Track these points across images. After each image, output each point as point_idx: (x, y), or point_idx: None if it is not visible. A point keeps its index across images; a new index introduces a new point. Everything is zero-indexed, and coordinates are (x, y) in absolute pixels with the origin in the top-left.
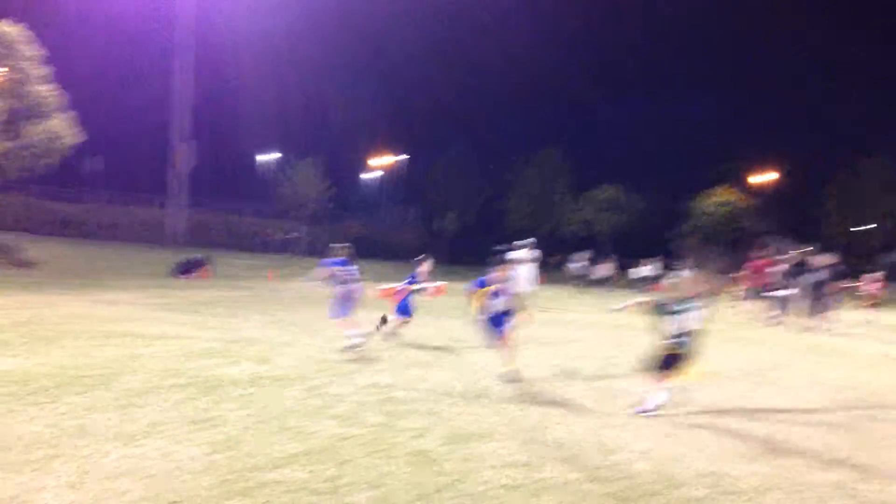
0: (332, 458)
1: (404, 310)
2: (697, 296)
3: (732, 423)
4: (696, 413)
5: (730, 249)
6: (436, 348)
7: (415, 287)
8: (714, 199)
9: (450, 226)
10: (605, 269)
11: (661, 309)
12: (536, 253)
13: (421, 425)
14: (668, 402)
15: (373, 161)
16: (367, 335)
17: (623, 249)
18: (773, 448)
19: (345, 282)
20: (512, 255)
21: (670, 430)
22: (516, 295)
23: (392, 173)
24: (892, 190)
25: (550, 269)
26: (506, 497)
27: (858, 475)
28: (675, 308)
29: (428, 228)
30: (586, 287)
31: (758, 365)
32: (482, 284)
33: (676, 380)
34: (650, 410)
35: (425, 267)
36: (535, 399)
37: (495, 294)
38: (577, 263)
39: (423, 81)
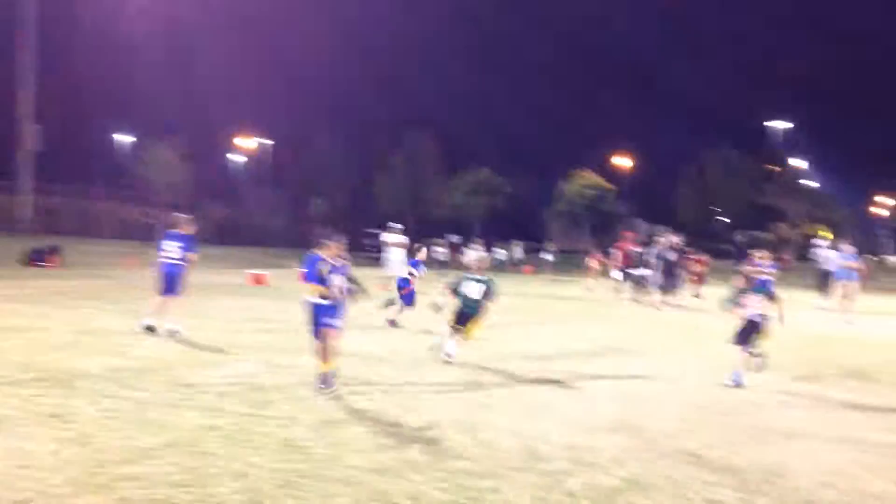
0: (194, 450)
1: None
2: (482, 272)
3: (594, 397)
4: (560, 389)
5: (594, 231)
6: (306, 334)
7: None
8: (580, 182)
9: (318, 210)
10: (444, 252)
11: (459, 279)
12: (405, 237)
13: (288, 413)
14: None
15: (238, 144)
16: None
17: (496, 232)
18: (630, 420)
19: (161, 258)
20: (384, 237)
21: (535, 407)
22: (356, 282)
23: (258, 157)
24: (736, 176)
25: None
26: (373, 480)
27: (706, 443)
28: (467, 278)
29: (297, 213)
30: (447, 271)
31: (616, 340)
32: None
33: (467, 334)
34: (449, 355)
35: (422, 255)
36: (403, 383)
37: (331, 272)
38: (439, 248)
39: (292, 63)
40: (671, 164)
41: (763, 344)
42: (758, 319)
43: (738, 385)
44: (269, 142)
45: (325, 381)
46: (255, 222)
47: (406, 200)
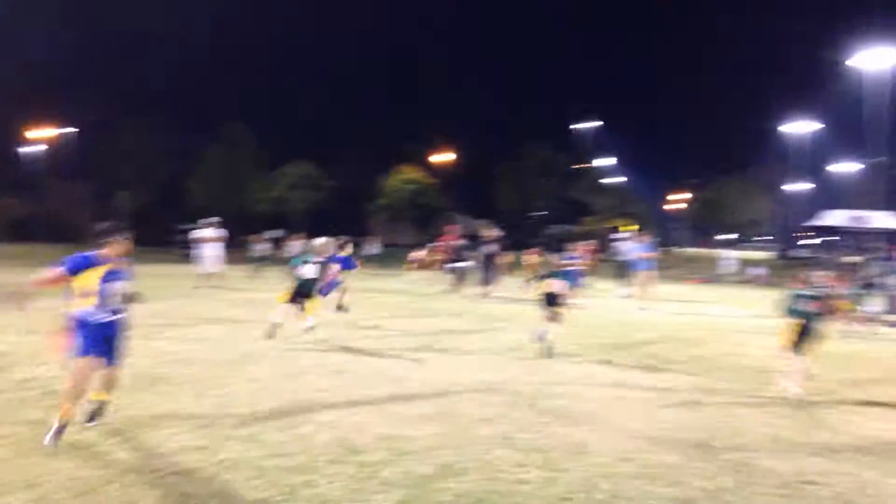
0: None
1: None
2: (324, 255)
3: (413, 389)
4: (380, 382)
5: (417, 225)
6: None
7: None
8: (401, 177)
9: (124, 203)
10: (262, 249)
11: (296, 260)
12: (223, 232)
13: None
14: (312, 324)
15: (33, 134)
16: None
17: (320, 227)
18: (447, 409)
19: None
20: (196, 233)
21: (355, 402)
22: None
23: (58, 147)
24: (551, 174)
25: (237, 249)
26: (179, 482)
27: (518, 427)
28: (304, 260)
29: (104, 207)
30: (268, 267)
31: (438, 333)
32: (85, 265)
33: (310, 312)
34: (310, 327)
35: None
36: (215, 383)
37: (107, 279)
38: (258, 244)
39: (89, 49)
40: (490, 161)
41: (559, 328)
42: (560, 292)
43: (541, 339)
44: (73, 130)
45: (94, 414)
46: (59, 217)
47: (223, 195)
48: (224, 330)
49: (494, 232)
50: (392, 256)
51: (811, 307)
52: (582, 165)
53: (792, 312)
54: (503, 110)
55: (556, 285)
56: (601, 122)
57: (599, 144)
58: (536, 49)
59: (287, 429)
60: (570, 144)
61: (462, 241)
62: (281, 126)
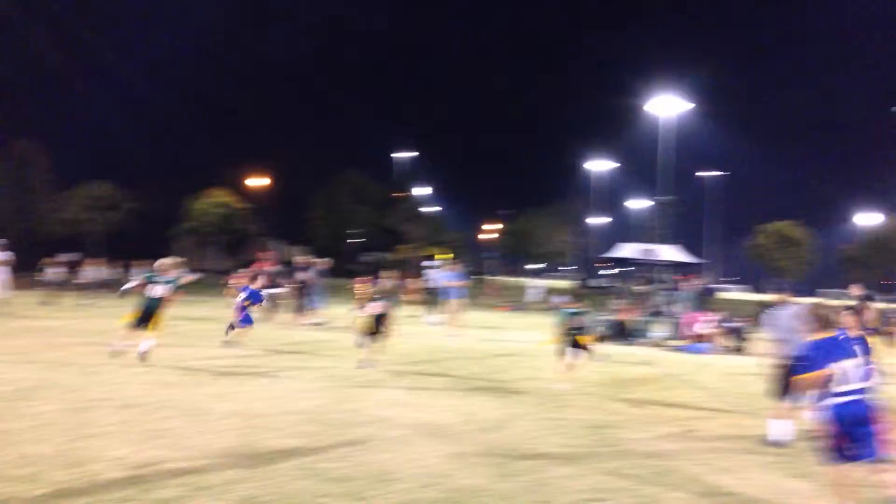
0: None
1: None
2: (170, 274)
3: (216, 421)
4: (180, 414)
5: (227, 250)
6: None
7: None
8: (210, 200)
9: None
10: (55, 273)
11: (149, 278)
12: (9, 255)
13: None
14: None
15: None
16: None
17: (119, 250)
18: (249, 442)
19: None
20: None
21: (150, 435)
22: None
23: None
24: (365, 202)
25: (27, 273)
26: None
27: (323, 456)
28: (156, 279)
29: None
30: (61, 293)
31: (244, 360)
32: None
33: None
34: (145, 351)
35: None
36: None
37: None
38: (52, 268)
39: None
40: (306, 187)
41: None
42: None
43: (369, 366)
44: None
45: None
46: None
47: (11, 215)
48: (10, 360)
49: (311, 259)
50: (199, 282)
51: (575, 323)
52: (398, 194)
53: (560, 325)
54: (321, 137)
55: (378, 307)
56: (418, 153)
57: (416, 174)
58: (357, 78)
59: (72, 466)
60: (386, 173)
61: (276, 268)
62: (80, 145)
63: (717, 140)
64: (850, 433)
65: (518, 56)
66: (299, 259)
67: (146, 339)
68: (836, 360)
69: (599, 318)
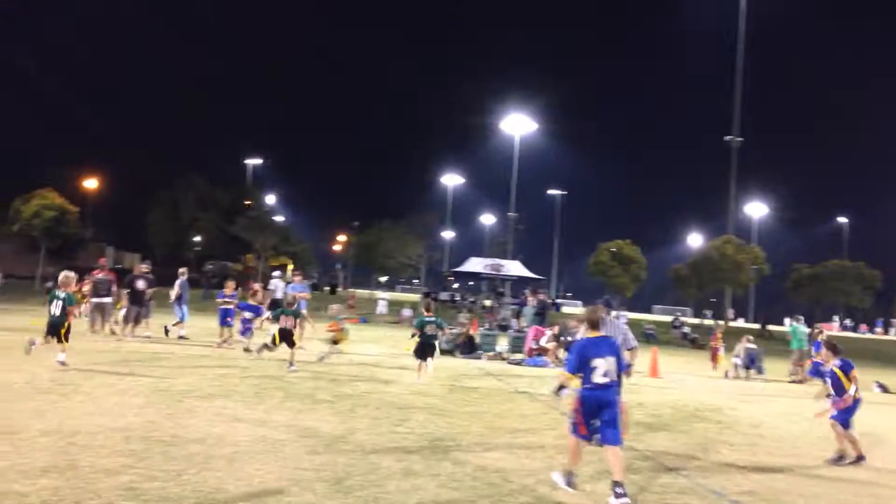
0: None
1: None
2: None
3: (29, 438)
4: None
5: (56, 255)
6: None
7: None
8: (37, 202)
9: None
10: None
11: (51, 294)
12: None
13: None
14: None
15: None
16: None
17: None
18: (68, 460)
19: None
20: None
21: None
22: None
23: None
24: (210, 208)
25: None
26: None
27: (147, 476)
28: (56, 295)
29: None
30: None
31: (66, 375)
32: None
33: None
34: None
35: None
36: None
37: None
38: None
39: None
40: (146, 191)
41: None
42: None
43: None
44: None
45: None
46: None
47: None
48: None
49: (145, 267)
50: (16, 289)
51: (430, 330)
52: (246, 201)
53: (420, 328)
54: (166, 139)
55: (290, 321)
56: (269, 160)
57: (266, 182)
58: (207, 83)
59: None
60: (235, 180)
61: (108, 276)
62: None
63: (566, 160)
64: (592, 416)
65: (373, 68)
66: (142, 267)
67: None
68: (598, 356)
69: (449, 331)
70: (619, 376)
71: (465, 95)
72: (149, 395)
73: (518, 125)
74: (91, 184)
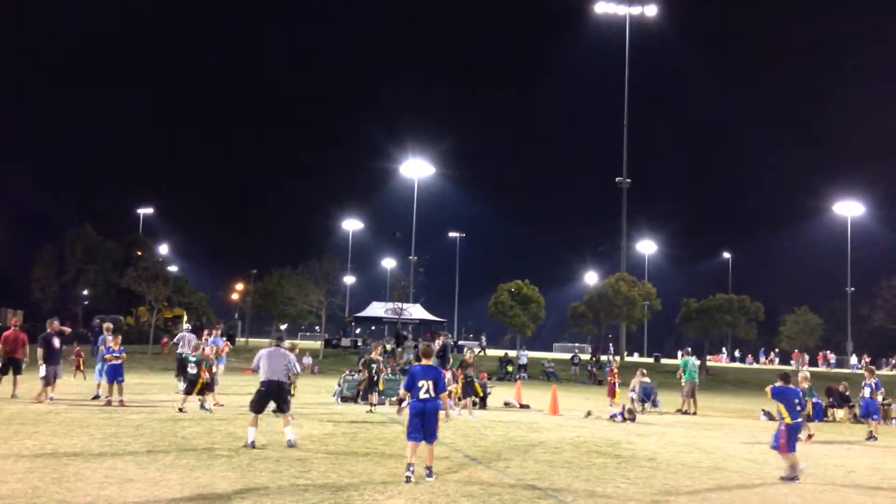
0: None
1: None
2: None
3: None
4: None
5: None
6: None
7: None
8: None
9: None
10: None
11: None
12: None
13: None
14: None
15: None
16: None
17: None
18: None
19: None
20: None
21: None
22: None
23: None
24: (95, 258)
25: None
26: None
27: None
28: None
29: None
30: None
31: None
32: None
33: None
34: None
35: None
36: None
37: None
38: None
39: None
40: (28, 243)
41: None
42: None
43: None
44: None
45: None
46: None
47: None
48: None
49: (57, 323)
50: None
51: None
52: (137, 252)
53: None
54: (52, 189)
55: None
56: (160, 210)
57: (157, 232)
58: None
59: None
60: (125, 230)
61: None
62: None
63: (465, 203)
64: (418, 422)
65: (274, 114)
66: (55, 324)
67: None
68: (423, 378)
69: (349, 377)
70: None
71: (366, 139)
72: (33, 458)
73: (417, 169)
74: None
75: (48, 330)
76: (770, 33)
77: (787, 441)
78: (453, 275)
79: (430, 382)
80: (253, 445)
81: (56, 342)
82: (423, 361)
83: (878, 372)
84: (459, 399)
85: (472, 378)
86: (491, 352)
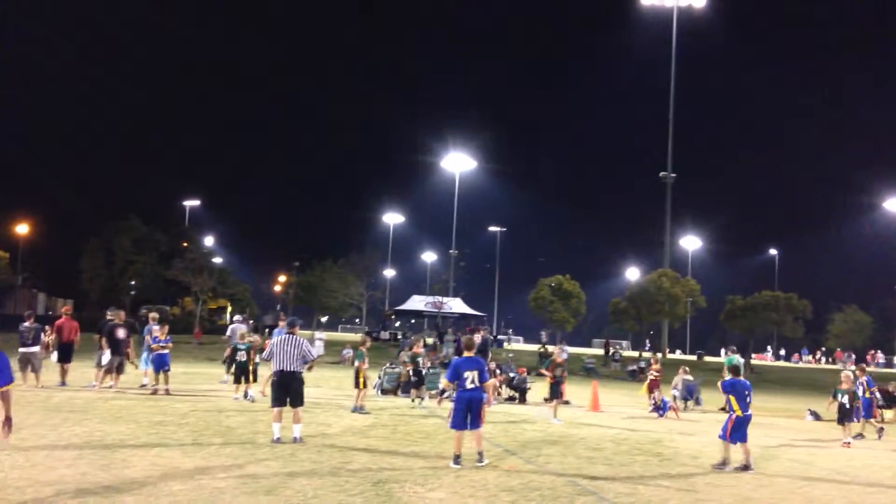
0: None
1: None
2: None
3: None
4: None
5: None
6: None
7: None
8: None
9: None
10: None
11: None
12: None
13: None
14: None
15: None
16: None
17: None
18: None
19: None
20: None
21: None
22: None
23: None
24: (143, 250)
25: None
26: None
27: None
28: None
29: None
30: None
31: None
32: None
33: None
34: None
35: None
36: None
37: None
38: None
39: None
40: (78, 234)
41: None
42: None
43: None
44: None
45: None
46: None
47: None
48: None
49: (123, 314)
50: None
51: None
52: (184, 244)
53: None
54: (101, 181)
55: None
56: (206, 202)
57: (202, 223)
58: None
59: None
60: (172, 222)
61: (34, 324)
62: None
63: (506, 197)
64: (463, 412)
65: (315, 107)
66: (121, 314)
67: None
68: (468, 369)
69: (389, 370)
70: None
71: (406, 134)
72: (81, 446)
73: (458, 163)
74: (22, 229)
75: (115, 320)
76: (819, 26)
77: (731, 432)
78: (493, 269)
79: (475, 373)
80: (279, 441)
81: (121, 332)
82: (466, 353)
83: None
84: (497, 393)
85: (561, 379)
86: (530, 346)
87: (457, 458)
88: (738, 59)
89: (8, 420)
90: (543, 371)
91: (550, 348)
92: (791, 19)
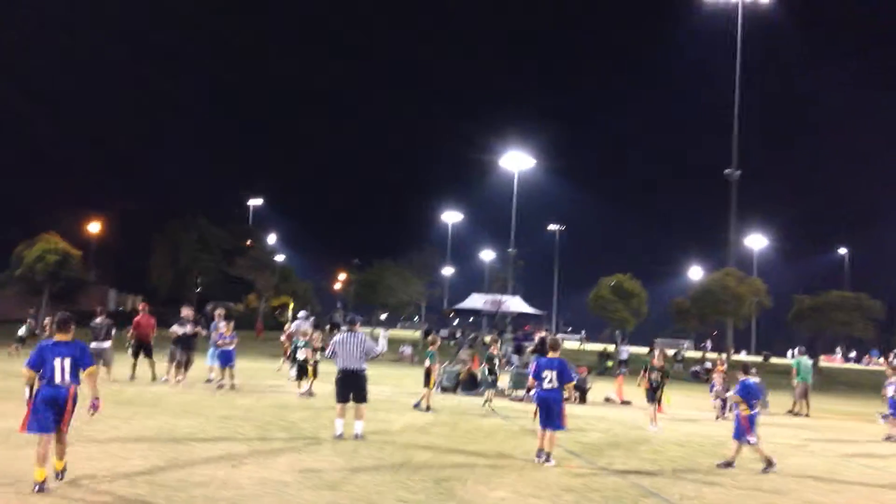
0: None
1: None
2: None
3: (28, 484)
4: None
5: (57, 298)
6: None
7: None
8: (39, 246)
9: None
10: None
11: None
12: None
13: None
14: None
15: None
16: None
17: None
18: None
19: None
20: None
21: None
22: None
23: None
24: (211, 249)
25: None
26: None
27: None
28: None
29: None
30: None
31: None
32: None
33: None
34: None
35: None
36: None
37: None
38: None
39: None
40: (146, 233)
41: None
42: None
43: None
44: None
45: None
46: None
47: None
48: None
49: (190, 311)
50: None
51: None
52: (246, 242)
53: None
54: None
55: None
56: (268, 200)
57: (265, 222)
58: (206, 125)
59: None
60: (235, 220)
61: (106, 319)
62: None
63: (565, 195)
64: (542, 411)
65: (373, 106)
66: (190, 312)
67: None
68: (548, 369)
69: (448, 368)
70: (561, 384)
71: (464, 133)
72: (152, 438)
73: (517, 161)
74: (94, 227)
75: (182, 315)
76: (889, 22)
77: (748, 428)
78: (552, 268)
79: (554, 373)
80: (341, 437)
81: (189, 328)
82: (550, 354)
83: None
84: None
85: (659, 384)
86: (589, 346)
87: (539, 453)
88: (805, 54)
89: (96, 399)
90: (642, 377)
91: (610, 348)
92: (863, 12)
